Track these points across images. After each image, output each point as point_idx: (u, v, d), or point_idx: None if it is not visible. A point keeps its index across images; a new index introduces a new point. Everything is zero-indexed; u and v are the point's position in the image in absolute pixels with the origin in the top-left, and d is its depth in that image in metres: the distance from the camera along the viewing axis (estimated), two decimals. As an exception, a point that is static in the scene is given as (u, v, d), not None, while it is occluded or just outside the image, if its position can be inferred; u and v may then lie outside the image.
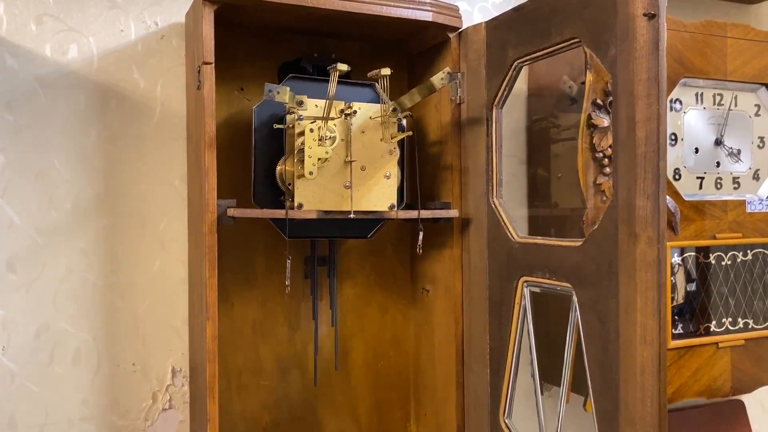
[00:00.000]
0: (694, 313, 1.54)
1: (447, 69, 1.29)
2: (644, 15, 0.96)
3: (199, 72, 1.23)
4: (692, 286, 1.54)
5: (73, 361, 1.38)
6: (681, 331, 1.52)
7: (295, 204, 1.27)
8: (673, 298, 1.51)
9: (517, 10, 1.27)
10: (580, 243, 1.13)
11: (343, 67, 1.19)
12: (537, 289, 1.29)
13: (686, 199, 1.50)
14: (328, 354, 1.53)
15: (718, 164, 1.61)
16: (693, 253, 1.54)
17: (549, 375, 1.56)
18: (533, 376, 1.33)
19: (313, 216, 1.28)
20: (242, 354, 1.48)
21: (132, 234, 1.42)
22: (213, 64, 1.22)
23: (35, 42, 1.34)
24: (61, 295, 1.37)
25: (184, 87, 1.45)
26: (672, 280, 1.51)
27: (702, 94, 1.59)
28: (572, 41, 1.13)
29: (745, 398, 1.94)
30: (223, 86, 1.43)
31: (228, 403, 1.46)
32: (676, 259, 1.52)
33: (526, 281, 1.28)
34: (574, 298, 1.15)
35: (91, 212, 1.39)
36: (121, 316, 1.41)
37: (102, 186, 1.40)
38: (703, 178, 1.59)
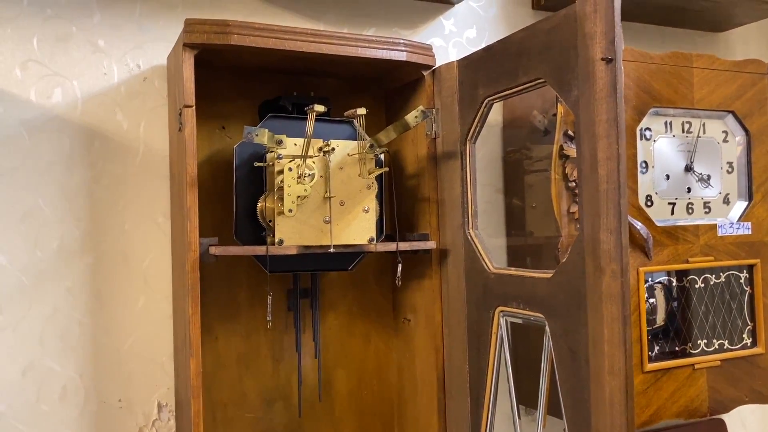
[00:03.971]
0: (669, 336, 1.58)
1: (421, 107, 1.33)
2: (602, 59, 1.01)
3: (180, 114, 1.27)
4: (669, 308, 1.58)
5: (59, 399, 1.40)
6: (658, 353, 1.55)
7: (276, 240, 1.31)
8: (653, 320, 1.55)
9: (486, 50, 1.32)
10: (551, 275, 1.17)
11: (319, 108, 1.23)
12: (513, 319, 1.33)
13: (658, 224, 1.55)
14: (312, 385, 1.56)
15: (689, 190, 1.65)
16: (667, 277, 1.58)
17: (530, 399, 1.58)
18: (511, 403, 1.36)
19: (294, 252, 1.31)
20: (227, 387, 1.50)
21: (117, 271, 1.45)
22: (194, 107, 1.25)
23: (20, 87, 1.38)
24: (48, 333, 1.39)
25: (166, 127, 1.49)
26: (653, 302, 1.55)
27: (671, 123, 1.64)
28: (538, 81, 1.18)
29: (726, 417, 1.97)
30: (204, 125, 1.46)
31: (214, 437, 1.48)
32: (651, 282, 1.55)
33: (502, 311, 1.31)
34: (547, 328, 1.19)
35: (77, 251, 1.42)
36: (107, 352, 1.43)
37: (87, 225, 1.43)
38: (674, 204, 1.63)
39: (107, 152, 1.45)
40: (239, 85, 1.52)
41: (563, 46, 1.10)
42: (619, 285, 0.99)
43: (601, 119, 1.01)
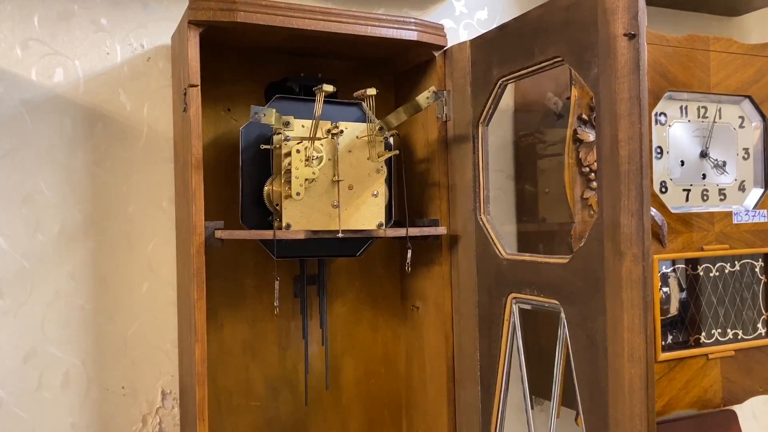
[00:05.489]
0: (683, 325, 1.55)
1: (432, 88, 1.29)
2: (625, 35, 0.97)
3: (185, 94, 1.24)
4: (682, 297, 1.55)
5: (61, 386, 1.37)
6: (671, 343, 1.52)
7: (283, 224, 1.28)
8: (666, 310, 1.52)
9: (500, 29, 1.28)
10: (567, 260, 1.13)
11: (328, 88, 1.20)
12: (527, 306, 1.29)
13: (673, 211, 1.51)
14: (319, 373, 1.53)
15: (704, 176, 1.62)
16: (681, 265, 1.55)
17: (541, 389, 1.56)
18: (523, 392, 1.33)
19: (301, 236, 1.28)
20: (232, 375, 1.48)
21: (120, 256, 1.42)
22: (199, 87, 1.22)
23: (21, 66, 1.34)
24: (49, 319, 1.36)
25: (170, 108, 1.45)
26: (666, 291, 1.52)
27: (686, 107, 1.60)
28: (555, 60, 1.14)
29: (737, 408, 1.94)
30: (209, 107, 1.43)
31: (219, 425, 1.45)
32: (665, 270, 1.52)
33: (514, 298, 1.28)
34: (562, 315, 1.16)
35: (79, 235, 1.38)
36: (110, 339, 1.41)
37: (89, 209, 1.39)
38: (689, 191, 1.60)
39: (110, 134, 1.41)
40: (245, 66, 1.49)
41: (583, 23, 1.06)
42: (640, 269, 0.95)
43: (622, 97, 0.98)
